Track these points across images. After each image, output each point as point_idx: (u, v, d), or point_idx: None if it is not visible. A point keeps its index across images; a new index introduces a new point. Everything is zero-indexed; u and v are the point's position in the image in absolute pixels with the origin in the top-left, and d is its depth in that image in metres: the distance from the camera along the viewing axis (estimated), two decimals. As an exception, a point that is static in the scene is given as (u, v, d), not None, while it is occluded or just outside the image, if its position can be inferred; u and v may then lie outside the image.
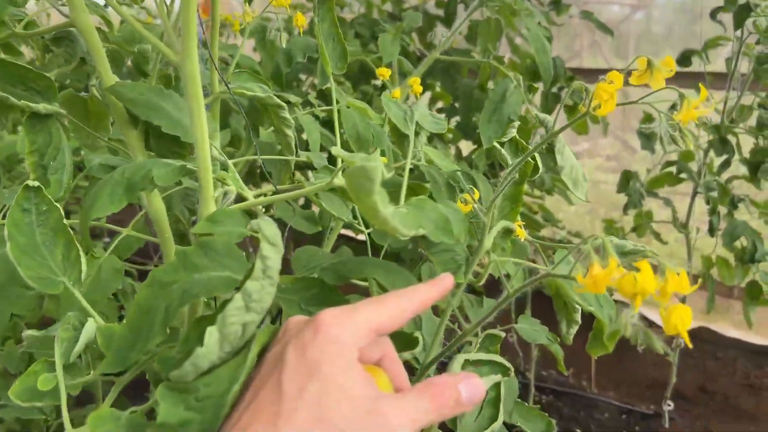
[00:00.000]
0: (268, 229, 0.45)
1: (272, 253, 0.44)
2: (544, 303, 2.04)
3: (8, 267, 0.76)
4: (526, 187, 1.61)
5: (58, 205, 0.55)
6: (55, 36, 0.65)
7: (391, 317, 0.46)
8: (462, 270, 0.60)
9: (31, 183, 0.55)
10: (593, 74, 2.18)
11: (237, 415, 0.41)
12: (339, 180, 0.56)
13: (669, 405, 1.97)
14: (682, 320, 0.42)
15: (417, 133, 0.71)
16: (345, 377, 0.41)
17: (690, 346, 0.44)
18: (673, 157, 1.81)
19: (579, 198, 0.97)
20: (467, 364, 0.59)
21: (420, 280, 0.71)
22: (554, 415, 2.08)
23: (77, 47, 0.66)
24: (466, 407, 0.46)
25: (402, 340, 0.54)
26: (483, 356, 0.61)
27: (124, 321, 0.51)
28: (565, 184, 1.40)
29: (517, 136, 0.70)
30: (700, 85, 0.51)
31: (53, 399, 0.49)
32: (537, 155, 0.76)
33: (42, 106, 0.61)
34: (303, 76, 1.76)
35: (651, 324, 2.47)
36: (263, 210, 0.66)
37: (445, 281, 0.52)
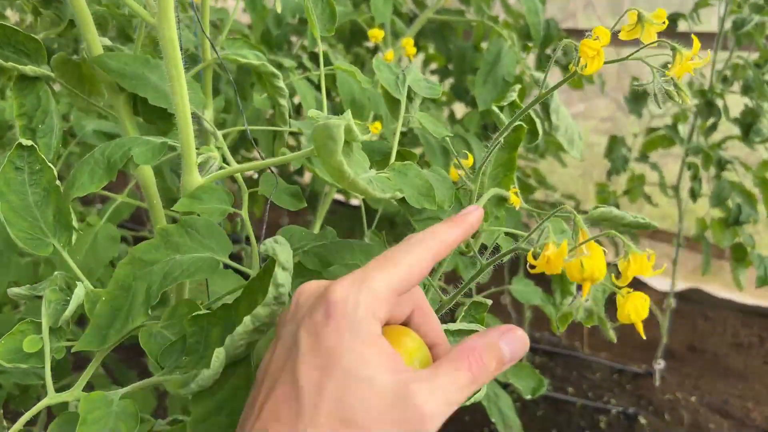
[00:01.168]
0: (282, 254, 0.44)
1: (285, 279, 0.44)
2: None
3: (5, 233, 0.77)
4: (519, 149, 1.60)
5: (52, 166, 0.55)
6: (45, -3, 0.64)
7: (410, 272, 0.40)
8: None
9: (24, 142, 0.54)
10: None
11: (257, 409, 0.38)
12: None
13: (660, 364, 2.01)
14: (636, 310, 0.40)
15: (411, 98, 0.70)
16: (366, 365, 0.36)
17: (644, 337, 0.42)
18: (667, 119, 1.81)
19: (574, 156, 0.97)
20: (447, 334, 0.54)
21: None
22: (547, 376, 2.11)
23: (66, 9, 0.65)
24: (508, 366, 0.41)
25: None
26: (464, 326, 0.56)
27: (102, 298, 0.51)
28: (557, 146, 1.40)
29: (517, 100, 0.68)
30: (693, 36, 0.48)
31: (38, 361, 0.49)
32: (537, 120, 0.75)
33: (29, 69, 0.60)
34: (294, 39, 1.74)
35: (643, 284, 2.50)
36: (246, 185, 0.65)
37: (470, 216, 0.45)
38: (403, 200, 0.52)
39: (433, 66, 2.00)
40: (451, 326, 0.55)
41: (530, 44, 1.15)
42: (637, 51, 0.50)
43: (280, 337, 0.40)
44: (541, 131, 0.74)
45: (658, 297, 2.29)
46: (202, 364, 0.45)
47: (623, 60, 0.50)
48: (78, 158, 1.11)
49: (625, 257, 0.41)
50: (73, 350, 0.50)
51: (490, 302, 0.63)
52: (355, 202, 2.53)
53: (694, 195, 1.62)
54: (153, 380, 0.48)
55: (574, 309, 0.45)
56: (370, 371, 0.36)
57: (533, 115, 0.74)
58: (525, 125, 0.61)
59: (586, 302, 0.44)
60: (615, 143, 1.83)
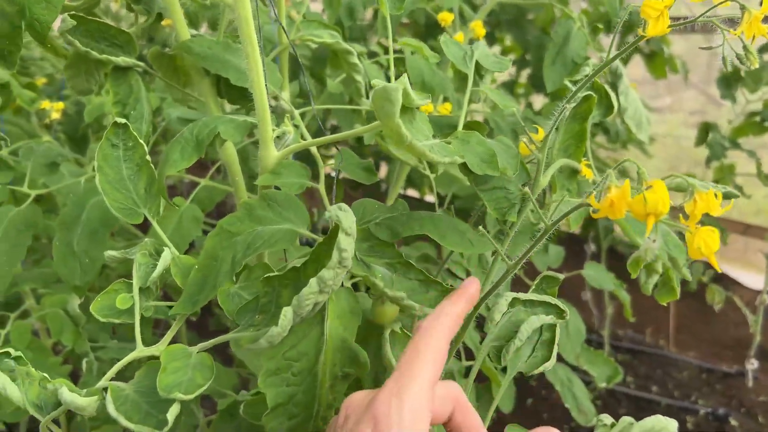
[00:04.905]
0: (346, 220, 0.47)
1: (348, 244, 0.47)
2: (618, 260, 2.00)
3: (101, 214, 0.83)
4: (603, 140, 1.59)
5: (143, 143, 0.59)
6: (135, -7, 0.69)
7: (436, 364, 0.44)
8: (515, 209, 0.58)
9: (119, 120, 0.59)
10: (672, 21, 2.07)
11: None
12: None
13: (753, 364, 1.91)
14: (706, 243, 0.40)
15: (482, 75, 0.71)
16: None
17: (719, 270, 0.42)
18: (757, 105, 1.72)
19: (641, 140, 0.95)
20: (517, 302, 0.58)
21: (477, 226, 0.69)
22: (629, 374, 2.05)
23: (154, 3, 0.70)
24: None
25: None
26: (535, 297, 0.58)
27: (195, 267, 0.55)
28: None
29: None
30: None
31: (128, 317, 0.54)
32: (612, 94, 0.74)
33: (122, 60, 0.66)
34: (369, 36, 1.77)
35: (735, 282, 2.38)
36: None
37: (470, 287, 0.50)
38: (468, 170, 0.53)
39: (511, 57, 1.99)
40: (521, 295, 0.57)
41: (600, 26, 1.13)
42: (709, 11, 0.49)
43: None
44: (616, 106, 0.73)
45: (750, 295, 2.18)
46: (273, 322, 0.48)
47: (692, 22, 0.49)
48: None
49: (690, 197, 0.41)
50: (170, 314, 0.55)
51: (562, 277, 0.63)
52: (430, 198, 2.54)
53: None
54: (228, 336, 0.51)
55: (642, 252, 0.44)
56: None
57: (608, 89, 0.73)
58: (594, 95, 0.60)
59: (653, 243, 0.43)
60: (708, 129, 1.76)
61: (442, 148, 0.48)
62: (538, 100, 1.99)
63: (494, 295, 0.55)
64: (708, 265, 2.16)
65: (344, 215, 0.47)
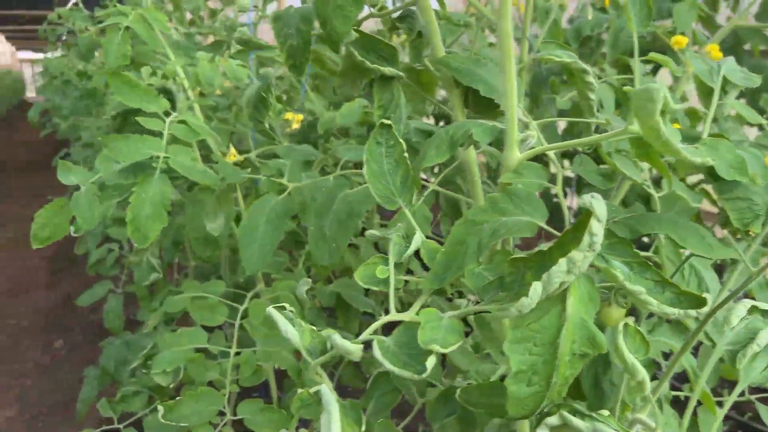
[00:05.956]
0: (598, 207, 0.51)
1: (599, 229, 0.51)
2: None
3: (348, 207, 0.96)
4: None
5: (402, 141, 0.69)
6: (401, 15, 0.80)
7: None
8: (759, 220, 0.59)
9: (385, 122, 0.69)
10: None
11: None
12: (634, 127, 0.59)
13: None
14: None
15: (726, 91, 0.72)
16: None
17: None
18: None
19: None
20: (755, 311, 0.58)
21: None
22: None
23: (416, 23, 0.81)
24: None
25: (691, 300, 0.56)
26: None
27: (442, 250, 0.63)
28: None
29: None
30: None
31: (384, 286, 0.63)
32: None
33: (387, 70, 0.77)
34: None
35: None
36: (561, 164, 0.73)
37: None
38: (714, 177, 0.55)
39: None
40: (762, 305, 0.57)
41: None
42: None
43: None
44: None
45: None
46: (517, 298, 0.53)
47: None
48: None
49: None
50: (419, 287, 0.64)
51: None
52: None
53: None
54: (476, 308, 0.58)
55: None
56: None
57: None
58: None
59: None
60: None
61: (691, 150, 0.51)
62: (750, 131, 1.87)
63: (732, 301, 0.56)
64: None
65: (597, 203, 0.51)
